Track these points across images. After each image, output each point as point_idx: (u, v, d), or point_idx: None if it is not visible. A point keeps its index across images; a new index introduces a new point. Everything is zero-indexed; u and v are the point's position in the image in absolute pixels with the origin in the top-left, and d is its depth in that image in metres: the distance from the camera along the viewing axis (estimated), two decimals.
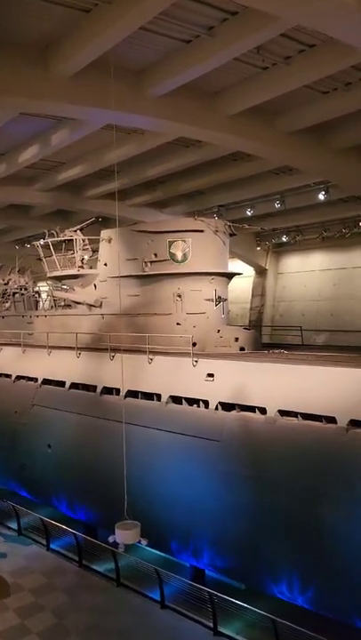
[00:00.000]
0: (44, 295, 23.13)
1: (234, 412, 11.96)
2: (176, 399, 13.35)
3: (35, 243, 19.09)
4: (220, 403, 12.24)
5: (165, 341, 15.00)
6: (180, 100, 11.99)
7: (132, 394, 14.41)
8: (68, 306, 19.91)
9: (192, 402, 13.03)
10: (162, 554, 13.92)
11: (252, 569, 11.44)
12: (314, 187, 20.55)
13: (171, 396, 13.41)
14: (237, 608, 11.29)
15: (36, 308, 22.62)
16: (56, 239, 18.43)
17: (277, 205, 21.83)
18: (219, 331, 15.56)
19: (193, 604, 12.16)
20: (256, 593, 11.92)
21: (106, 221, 24.67)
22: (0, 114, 12.89)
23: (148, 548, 14.21)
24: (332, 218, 25.26)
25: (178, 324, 15.95)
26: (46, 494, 16.86)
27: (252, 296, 32.56)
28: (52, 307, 20.94)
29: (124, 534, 8.28)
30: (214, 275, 16.07)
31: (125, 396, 14.52)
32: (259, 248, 30.41)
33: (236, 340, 15.16)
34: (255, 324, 30.63)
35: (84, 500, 15.18)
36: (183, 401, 13.19)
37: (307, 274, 30.68)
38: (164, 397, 13.48)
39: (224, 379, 12.49)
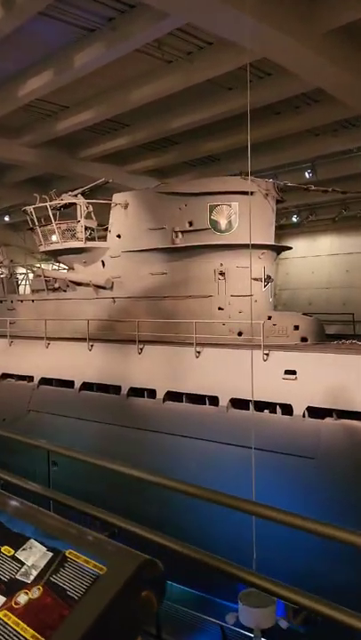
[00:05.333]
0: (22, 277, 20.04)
1: (330, 420, 9.55)
2: (239, 403, 10.80)
3: (26, 208, 15.94)
4: (308, 408, 9.79)
5: (202, 331, 12.39)
6: (273, 2, 9.30)
7: (173, 396, 11.76)
8: (60, 289, 16.95)
9: (262, 406, 10.54)
10: (196, 592, 11.37)
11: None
12: (356, 152, 18.39)
13: (232, 400, 10.84)
14: None
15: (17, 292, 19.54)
16: (56, 202, 15.37)
17: (308, 175, 19.50)
18: (270, 317, 13.11)
19: None
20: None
21: (95, 192, 21.69)
22: None
23: (176, 584, 11.79)
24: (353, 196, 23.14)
25: (220, 308, 13.40)
26: None
27: None
28: (33, 290, 17.80)
29: (259, 614, 5.68)
30: (265, 248, 13.58)
31: (164, 400, 11.85)
32: None
33: (296, 328, 12.76)
34: None
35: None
36: (250, 405, 10.65)
37: (314, 259, 28.70)
38: (223, 401, 10.88)
39: (311, 376, 10.04)
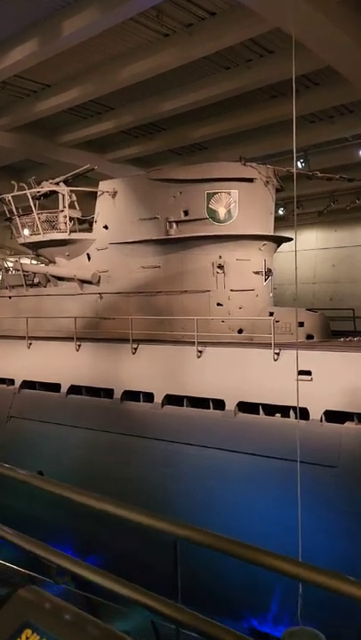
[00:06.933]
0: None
1: (352, 425, 8.86)
2: (247, 407, 10.02)
3: (4, 196, 14.80)
4: (326, 412, 9.08)
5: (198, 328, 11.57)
6: None
7: (173, 400, 10.92)
8: (39, 285, 15.87)
9: (274, 410, 9.80)
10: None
11: None
12: (351, 142, 17.81)
13: (240, 403, 10.05)
14: None
15: None
16: (36, 190, 14.31)
17: (300, 165, 18.84)
18: (271, 313, 12.37)
19: None
20: None
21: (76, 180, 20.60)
22: None
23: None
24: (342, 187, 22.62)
25: (219, 304, 12.59)
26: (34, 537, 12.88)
27: None
28: (9, 286, 16.64)
29: None
30: (266, 239, 12.84)
31: (162, 404, 10.99)
32: None
33: (301, 324, 12.04)
34: None
35: (100, 549, 11.44)
36: (260, 409, 9.90)
37: (299, 253, 28.09)
38: (230, 404, 10.08)
39: (328, 377, 9.32)
